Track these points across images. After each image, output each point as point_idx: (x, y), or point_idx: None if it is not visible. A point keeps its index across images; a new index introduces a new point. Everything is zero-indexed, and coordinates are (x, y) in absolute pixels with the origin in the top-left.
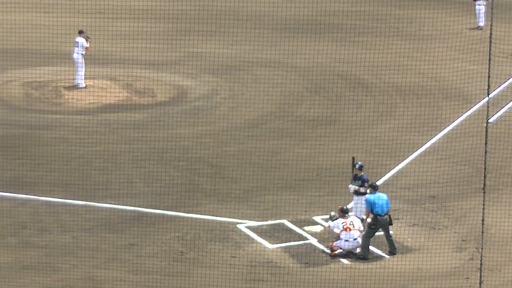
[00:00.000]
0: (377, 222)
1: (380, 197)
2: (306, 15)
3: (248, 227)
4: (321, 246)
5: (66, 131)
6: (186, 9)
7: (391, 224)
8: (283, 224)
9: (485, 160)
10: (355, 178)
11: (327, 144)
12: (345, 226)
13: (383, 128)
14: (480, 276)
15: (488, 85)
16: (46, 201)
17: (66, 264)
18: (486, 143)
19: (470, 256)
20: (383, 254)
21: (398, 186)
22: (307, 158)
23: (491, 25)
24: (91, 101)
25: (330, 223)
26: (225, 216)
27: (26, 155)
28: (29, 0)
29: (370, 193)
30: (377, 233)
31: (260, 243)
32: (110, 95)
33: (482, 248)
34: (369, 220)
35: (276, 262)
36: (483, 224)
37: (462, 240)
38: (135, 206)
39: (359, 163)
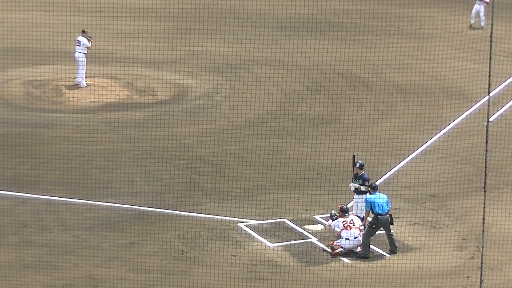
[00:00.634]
0: (378, 221)
1: (380, 197)
2: (307, 13)
3: (249, 226)
4: (321, 245)
5: (67, 129)
6: (186, 8)
7: (392, 224)
8: (283, 222)
9: (485, 159)
10: (356, 177)
11: (327, 143)
12: (345, 225)
13: (383, 127)
14: (481, 275)
15: (489, 84)
16: (47, 200)
17: (67, 262)
18: (486, 142)
19: (470, 255)
20: (384, 253)
21: (399, 185)
22: (307, 157)
23: (492, 24)
24: (92, 99)
25: (331, 221)
26: (225, 215)
27: (27, 153)
28: None
29: (370, 193)
30: (377, 232)
31: (261, 242)
32: (111, 93)
33: (482, 247)
34: (369, 219)
35: (276, 261)
36: (483, 223)
37: (463, 239)
38: (135, 204)
39: (360, 162)
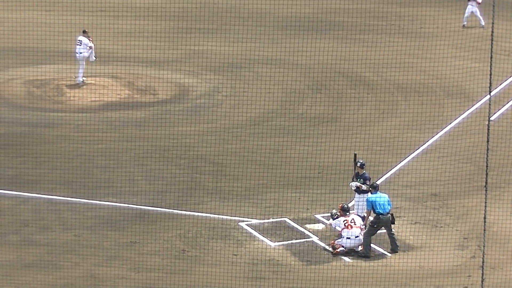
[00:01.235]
0: (380, 220)
1: (381, 197)
2: (308, 12)
3: (250, 225)
4: (322, 244)
5: (68, 129)
6: (187, 7)
7: (394, 223)
8: (284, 222)
9: (487, 158)
10: (357, 176)
11: (328, 142)
12: (346, 224)
13: (384, 126)
14: (482, 274)
15: (490, 83)
16: (48, 199)
17: (68, 262)
18: (488, 141)
19: (472, 254)
20: (385, 252)
21: (400, 184)
22: (308, 156)
23: (493, 23)
24: (93, 99)
25: (332, 221)
26: (227, 214)
27: (28, 153)
28: None
29: (371, 193)
30: (379, 231)
31: (262, 241)
32: (112, 93)
33: (484, 246)
34: (371, 218)
35: (277, 260)
36: (485, 222)
37: (464, 238)
38: (137, 204)
39: (361, 161)
